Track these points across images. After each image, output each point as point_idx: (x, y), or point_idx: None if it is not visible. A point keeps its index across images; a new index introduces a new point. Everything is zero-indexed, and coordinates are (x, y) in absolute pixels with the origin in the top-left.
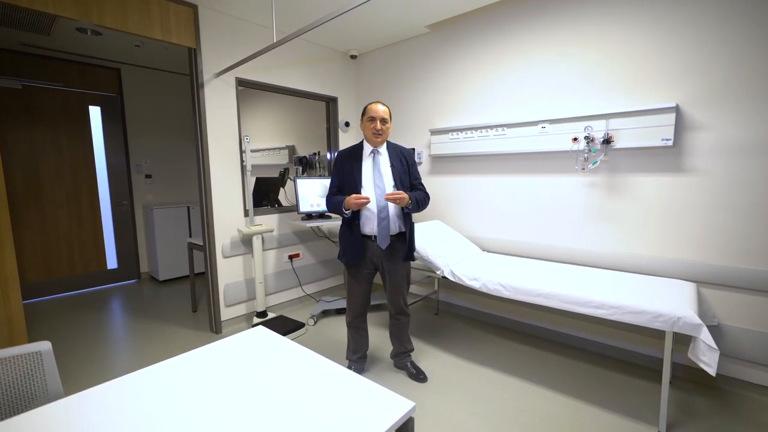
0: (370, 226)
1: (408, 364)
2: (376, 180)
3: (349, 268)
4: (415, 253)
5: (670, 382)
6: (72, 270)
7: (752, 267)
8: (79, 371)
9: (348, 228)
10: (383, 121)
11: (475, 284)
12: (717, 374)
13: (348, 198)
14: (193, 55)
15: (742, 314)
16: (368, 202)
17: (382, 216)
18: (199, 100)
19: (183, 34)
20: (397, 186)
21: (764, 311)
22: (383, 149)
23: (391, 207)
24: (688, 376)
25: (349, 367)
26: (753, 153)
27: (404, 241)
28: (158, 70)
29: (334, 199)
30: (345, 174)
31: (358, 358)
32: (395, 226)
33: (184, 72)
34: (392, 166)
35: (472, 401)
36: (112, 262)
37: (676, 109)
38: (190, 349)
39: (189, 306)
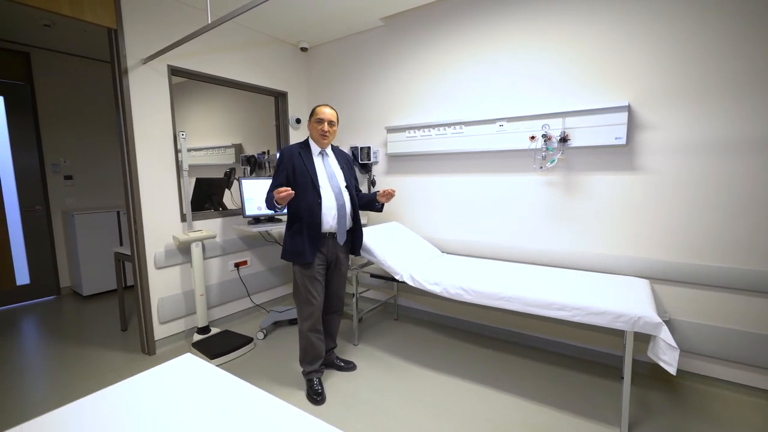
0: (330, 223)
1: (335, 359)
2: (330, 178)
3: (304, 268)
4: (371, 258)
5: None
6: None
7: (701, 263)
8: None
9: (306, 226)
10: (330, 123)
11: (436, 289)
12: None
13: (277, 190)
14: (113, 37)
15: (692, 309)
16: (293, 194)
17: (342, 213)
18: (122, 88)
19: (99, 11)
20: (349, 187)
21: (712, 305)
22: (329, 151)
23: (348, 204)
24: (646, 371)
25: (312, 380)
26: (699, 152)
27: (354, 235)
28: (76, 56)
29: (270, 195)
30: (297, 169)
31: (321, 366)
32: (349, 222)
33: (107, 59)
34: (342, 168)
35: (439, 413)
36: (23, 277)
37: (628, 108)
38: (119, 376)
39: (118, 324)
